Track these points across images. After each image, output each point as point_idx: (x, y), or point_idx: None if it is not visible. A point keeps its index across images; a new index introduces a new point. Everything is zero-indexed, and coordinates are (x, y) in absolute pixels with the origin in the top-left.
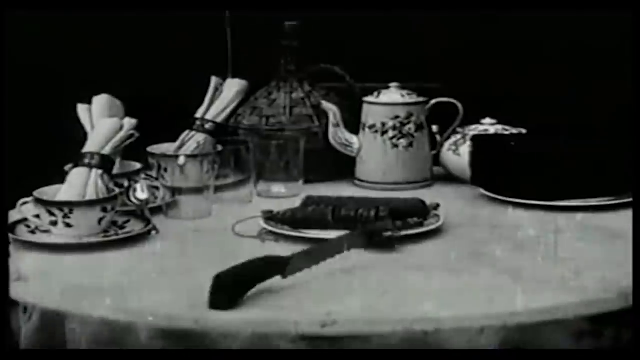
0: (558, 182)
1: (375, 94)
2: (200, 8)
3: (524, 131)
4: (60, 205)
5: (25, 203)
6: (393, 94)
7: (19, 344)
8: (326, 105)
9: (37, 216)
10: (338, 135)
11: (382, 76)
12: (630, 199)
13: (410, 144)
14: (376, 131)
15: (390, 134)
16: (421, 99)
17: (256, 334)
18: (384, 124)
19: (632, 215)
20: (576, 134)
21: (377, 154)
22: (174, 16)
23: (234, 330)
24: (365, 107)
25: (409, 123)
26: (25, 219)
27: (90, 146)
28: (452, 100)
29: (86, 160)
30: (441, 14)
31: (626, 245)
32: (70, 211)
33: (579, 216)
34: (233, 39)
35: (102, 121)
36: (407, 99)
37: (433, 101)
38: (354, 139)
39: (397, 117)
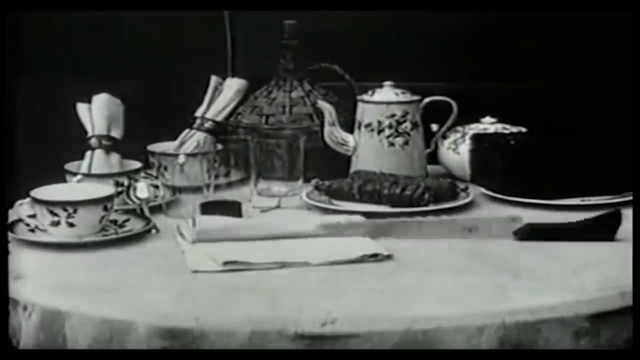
0: (558, 180)
1: (370, 92)
2: (200, 8)
3: (523, 130)
4: (64, 205)
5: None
6: (387, 93)
7: (18, 343)
8: (321, 104)
9: (32, 216)
10: (334, 134)
11: (381, 75)
12: (630, 198)
13: (406, 143)
14: (372, 130)
15: (387, 132)
16: (416, 97)
17: (256, 332)
18: (380, 123)
19: (632, 214)
20: (576, 133)
21: (373, 152)
22: (173, 16)
23: (233, 328)
24: (360, 105)
25: (405, 121)
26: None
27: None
28: (445, 98)
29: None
30: (441, 14)
31: (626, 244)
32: (75, 211)
33: (579, 215)
34: (233, 39)
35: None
36: (402, 98)
37: (427, 99)
38: (349, 137)
39: (393, 115)
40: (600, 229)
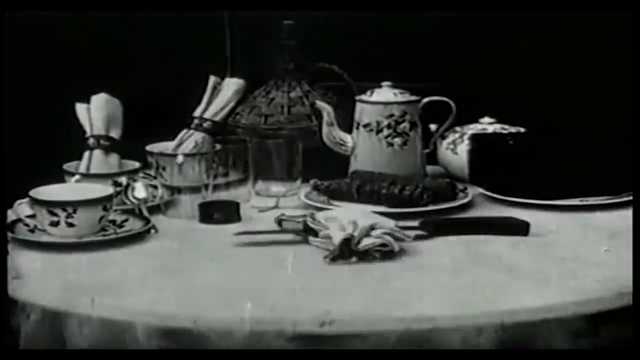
0: (557, 181)
1: (368, 92)
2: (200, 8)
3: (522, 130)
4: (64, 205)
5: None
6: (386, 93)
7: (17, 343)
8: (320, 104)
9: (32, 216)
10: (332, 134)
11: (380, 75)
12: (630, 198)
13: (405, 143)
14: (371, 130)
15: (385, 132)
16: (414, 98)
17: (254, 332)
18: (378, 123)
19: (632, 214)
20: (575, 133)
21: (372, 152)
22: (173, 16)
23: (232, 329)
24: (359, 105)
25: (403, 122)
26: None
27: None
28: (444, 98)
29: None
30: (441, 14)
31: (625, 244)
32: (74, 211)
33: (578, 215)
34: (232, 39)
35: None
36: (401, 98)
37: (425, 100)
38: (347, 137)
39: (391, 115)
40: (512, 226)
